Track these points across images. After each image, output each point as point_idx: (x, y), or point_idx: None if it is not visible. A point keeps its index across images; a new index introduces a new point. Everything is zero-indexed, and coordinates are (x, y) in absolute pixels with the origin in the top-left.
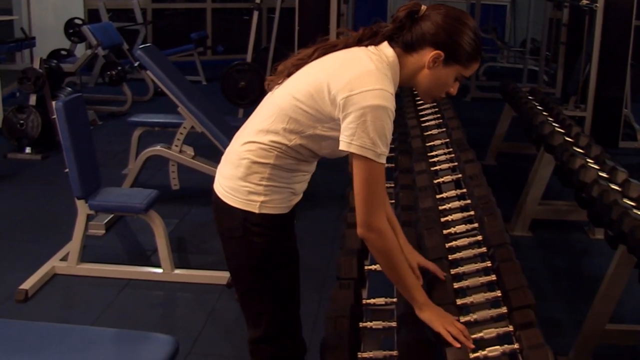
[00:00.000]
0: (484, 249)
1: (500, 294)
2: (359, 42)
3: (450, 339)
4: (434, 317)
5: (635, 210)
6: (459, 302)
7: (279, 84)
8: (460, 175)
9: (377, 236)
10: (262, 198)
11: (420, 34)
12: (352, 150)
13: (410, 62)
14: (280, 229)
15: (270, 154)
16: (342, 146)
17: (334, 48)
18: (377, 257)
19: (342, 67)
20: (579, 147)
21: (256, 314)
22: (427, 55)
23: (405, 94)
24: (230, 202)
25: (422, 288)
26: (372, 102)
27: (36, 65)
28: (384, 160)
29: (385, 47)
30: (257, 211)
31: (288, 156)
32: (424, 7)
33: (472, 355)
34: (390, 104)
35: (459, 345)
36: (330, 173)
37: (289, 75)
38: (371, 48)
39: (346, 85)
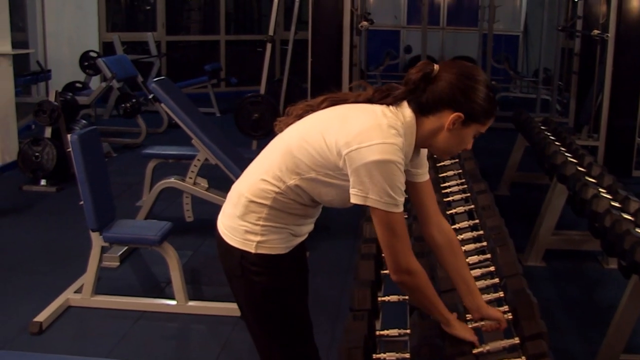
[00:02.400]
0: (496, 280)
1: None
2: (368, 102)
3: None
4: (463, 331)
5: None
6: (470, 325)
7: (288, 125)
8: (473, 206)
9: (412, 277)
10: (258, 238)
11: (436, 97)
12: (369, 204)
13: (427, 124)
14: (279, 268)
15: (269, 195)
16: (357, 200)
17: (344, 102)
18: (412, 295)
19: (353, 118)
20: (591, 177)
21: (266, 351)
22: (446, 117)
23: None
24: (229, 241)
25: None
26: (379, 156)
27: (52, 97)
28: (401, 209)
29: (404, 107)
30: (253, 251)
31: (287, 198)
32: (436, 68)
33: None
34: (398, 156)
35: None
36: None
37: (298, 117)
38: (390, 107)
39: (353, 139)
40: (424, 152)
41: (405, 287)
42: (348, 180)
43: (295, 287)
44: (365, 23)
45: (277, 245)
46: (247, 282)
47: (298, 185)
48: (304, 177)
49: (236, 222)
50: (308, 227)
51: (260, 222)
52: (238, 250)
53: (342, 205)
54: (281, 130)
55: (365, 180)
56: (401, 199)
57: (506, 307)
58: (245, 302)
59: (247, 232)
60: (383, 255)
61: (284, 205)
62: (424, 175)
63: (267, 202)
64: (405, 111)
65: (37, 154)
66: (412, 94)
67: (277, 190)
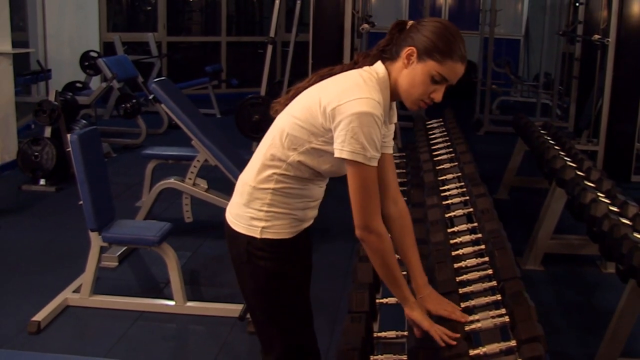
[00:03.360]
0: (494, 283)
1: (508, 322)
2: (354, 65)
3: (437, 339)
4: (422, 317)
5: None
6: (467, 328)
7: (284, 105)
8: (471, 209)
9: (376, 238)
10: (263, 223)
11: (402, 40)
12: (344, 156)
13: (395, 68)
14: (284, 253)
15: (271, 178)
16: (336, 154)
17: (331, 71)
18: (373, 257)
19: (333, 82)
20: (590, 182)
21: (268, 338)
22: (404, 54)
23: (418, 127)
24: (235, 227)
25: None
26: (359, 109)
27: (52, 97)
28: (375, 164)
29: (377, 65)
30: (258, 236)
31: (288, 177)
32: (410, 22)
33: None
34: (377, 110)
35: (443, 344)
36: (343, 207)
37: (289, 99)
38: (365, 67)
39: (335, 97)
40: (394, 118)
41: (367, 246)
42: None
43: (298, 273)
44: (366, 26)
45: (282, 230)
46: (252, 267)
47: (297, 160)
48: (301, 150)
49: (242, 209)
50: (312, 212)
51: (265, 208)
52: (244, 236)
53: (341, 173)
54: (277, 113)
55: (342, 133)
56: (375, 154)
57: (503, 309)
58: (250, 287)
59: (252, 218)
60: None
61: (287, 186)
62: (388, 147)
63: (270, 186)
64: (379, 68)
65: (36, 153)
66: (389, 44)
67: (278, 171)
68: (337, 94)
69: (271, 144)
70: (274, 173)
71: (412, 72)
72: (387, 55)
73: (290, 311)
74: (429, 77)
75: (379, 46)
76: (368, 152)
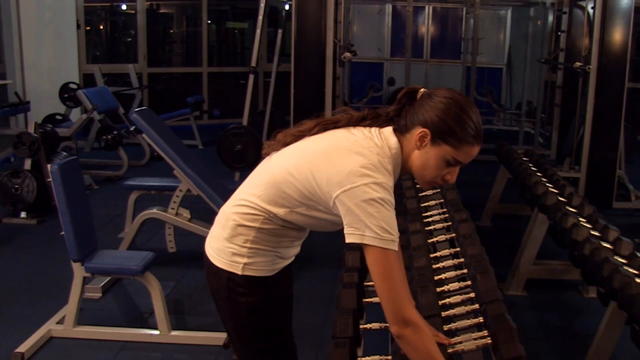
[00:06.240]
0: (476, 306)
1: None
2: (361, 122)
3: None
4: None
5: (625, 267)
6: (450, 350)
7: (276, 151)
8: (454, 235)
9: (413, 331)
10: (245, 260)
11: (412, 114)
12: (367, 242)
13: (405, 144)
14: (265, 289)
15: (257, 218)
16: (354, 239)
17: (335, 124)
18: (414, 355)
19: (343, 156)
20: (572, 207)
21: None
22: (416, 134)
23: None
24: (216, 262)
25: None
26: (374, 194)
27: (31, 129)
28: (396, 247)
29: (389, 135)
30: (240, 272)
31: (275, 223)
32: (422, 90)
33: None
34: (390, 195)
35: None
36: (327, 235)
37: (286, 144)
38: (375, 133)
39: (346, 178)
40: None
41: (406, 343)
42: (338, 215)
43: (279, 308)
44: (348, 54)
45: (263, 267)
46: (232, 302)
47: (287, 217)
48: (294, 210)
49: (223, 244)
50: (295, 250)
51: (248, 245)
52: (225, 272)
53: (330, 229)
54: (268, 154)
55: (361, 218)
56: (394, 238)
57: (485, 332)
58: (231, 323)
59: (234, 254)
60: (380, 301)
61: (272, 229)
62: None
63: (255, 225)
64: (391, 141)
65: (16, 186)
66: (399, 113)
67: (266, 216)
68: (347, 175)
69: (261, 190)
70: (261, 216)
71: (425, 155)
72: (397, 127)
73: (272, 345)
74: (443, 161)
75: (388, 114)
76: (390, 236)
